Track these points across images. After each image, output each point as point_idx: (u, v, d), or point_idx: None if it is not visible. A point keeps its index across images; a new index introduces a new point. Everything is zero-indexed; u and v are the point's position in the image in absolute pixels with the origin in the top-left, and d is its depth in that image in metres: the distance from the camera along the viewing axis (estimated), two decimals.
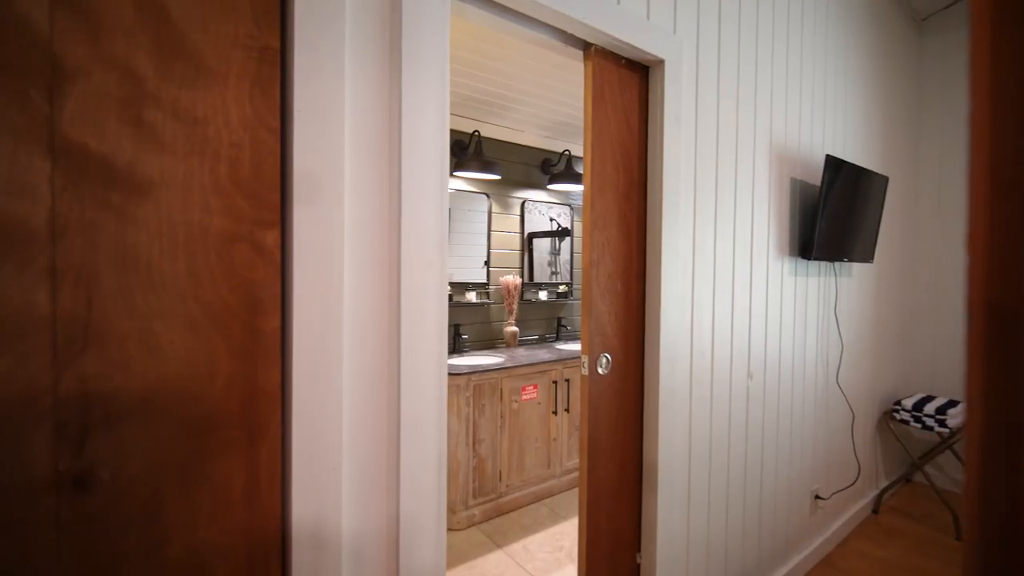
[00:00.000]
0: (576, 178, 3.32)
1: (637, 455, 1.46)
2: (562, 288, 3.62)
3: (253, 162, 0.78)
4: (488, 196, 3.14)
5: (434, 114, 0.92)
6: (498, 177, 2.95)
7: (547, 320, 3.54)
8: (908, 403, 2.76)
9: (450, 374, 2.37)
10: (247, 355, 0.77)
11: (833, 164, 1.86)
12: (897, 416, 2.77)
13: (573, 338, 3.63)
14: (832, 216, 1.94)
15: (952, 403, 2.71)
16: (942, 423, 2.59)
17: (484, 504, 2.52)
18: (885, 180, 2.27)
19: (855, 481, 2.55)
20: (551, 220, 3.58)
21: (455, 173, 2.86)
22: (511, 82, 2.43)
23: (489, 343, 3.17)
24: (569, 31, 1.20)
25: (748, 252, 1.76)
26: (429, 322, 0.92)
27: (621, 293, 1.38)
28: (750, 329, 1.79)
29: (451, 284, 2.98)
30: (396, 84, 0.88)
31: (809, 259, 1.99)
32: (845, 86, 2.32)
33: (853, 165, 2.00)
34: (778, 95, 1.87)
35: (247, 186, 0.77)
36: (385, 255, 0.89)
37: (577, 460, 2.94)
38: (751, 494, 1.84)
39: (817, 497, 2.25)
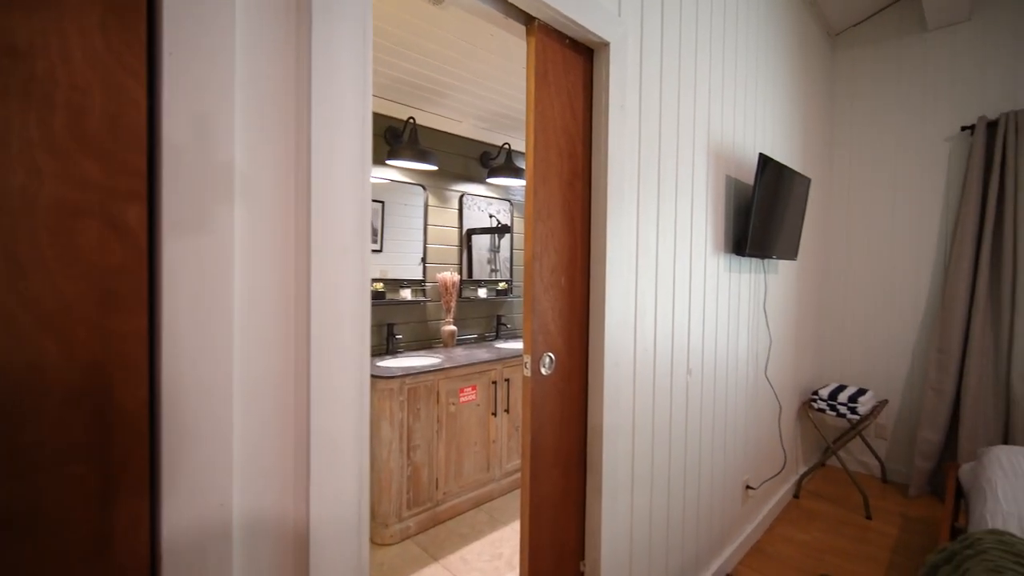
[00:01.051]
0: (516, 172, 3.24)
1: (581, 458, 1.39)
2: (502, 285, 3.52)
3: (106, 114, 0.60)
4: (424, 188, 2.98)
5: (353, 68, 0.77)
6: (434, 168, 2.80)
7: (486, 318, 3.44)
8: (824, 393, 2.94)
9: (382, 377, 2.19)
10: (96, 366, 0.59)
11: (765, 162, 1.91)
12: (815, 405, 2.94)
13: (513, 336, 3.55)
14: (763, 214, 2.00)
15: (861, 391, 2.92)
16: (853, 410, 2.78)
17: (420, 514, 2.36)
18: (808, 181, 2.38)
19: (782, 469, 2.67)
20: (491, 216, 3.48)
21: (388, 161, 2.68)
22: (447, 66, 2.29)
23: (426, 343, 3.01)
24: (511, 0, 1.09)
25: (688, 248, 1.75)
26: (347, 319, 0.78)
27: (565, 288, 1.30)
28: (689, 325, 1.78)
29: (385, 281, 2.79)
30: (305, 25, 0.72)
31: (743, 256, 2.03)
32: (773, 91, 2.41)
33: (782, 165, 2.06)
34: (715, 94, 1.88)
35: (97, 144, 0.59)
36: (290, 238, 0.73)
37: (517, 461, 2.86)
38: (690, 490, 1.84)
39: (748, 487, 2.32)
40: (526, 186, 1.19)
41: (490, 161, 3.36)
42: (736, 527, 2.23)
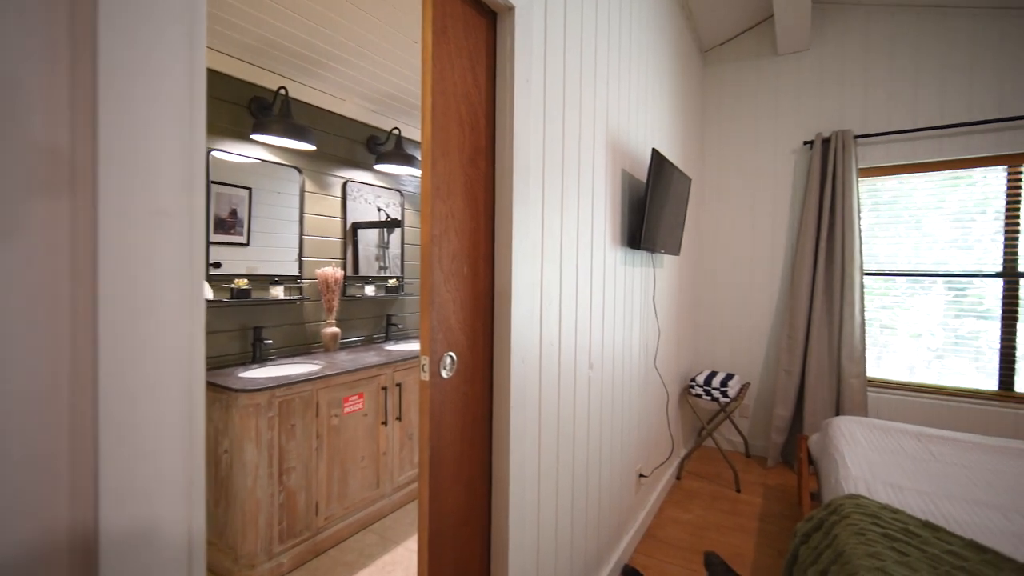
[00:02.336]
0: (407, 160, 3.01)
1: (486, 469, 1.25)
2: (392, 282, 3.26)
3: None
4: (300, 171, 2.61)
5: None
6: (312, 148, 2.46)
7: (375, 319, 3.15)
8: (700, 379, 3.18)
9: (245, 391, 1.83)
10: None
11: (658, 158, 1.95)
12: (693, 391, 3.17)
13: (405, 337, 3.31)
14: (655, 208, 2.05)
15: (730, 376, 3.21)
16: (724, 394, 3.04)
17: (296, 547, 2.03)
18: (689, 181, 2.53)
19: (670, 455, 2.82)
20: (379, 210, 3.19)
21: (255, 136, 2.28)
22: (328, 30, 2.00)
23: (303, 348, 2.65)
24: None
25: (590, 238, 1.71)
26: (167, 310, 0.54)
27: (468, 277, 1.15)
28: (591, 318, 1.75)
29: (252, 277, 2.38)
30: None
31: (637, 249, 2.07)
32: (660, 94, 2.52)
33: (671, 162, 2.14)
34: (612, 86, 1.88)
35: None
36: (63, 187, 0.48)
37: (411, 473, 2.64)
38: (592, 488, 1.80)
39: (641, 476, 2.39)
40: (422, 157, 1.02)
41: (378, 147, 3.08)
42: (631, 516, 2.27)
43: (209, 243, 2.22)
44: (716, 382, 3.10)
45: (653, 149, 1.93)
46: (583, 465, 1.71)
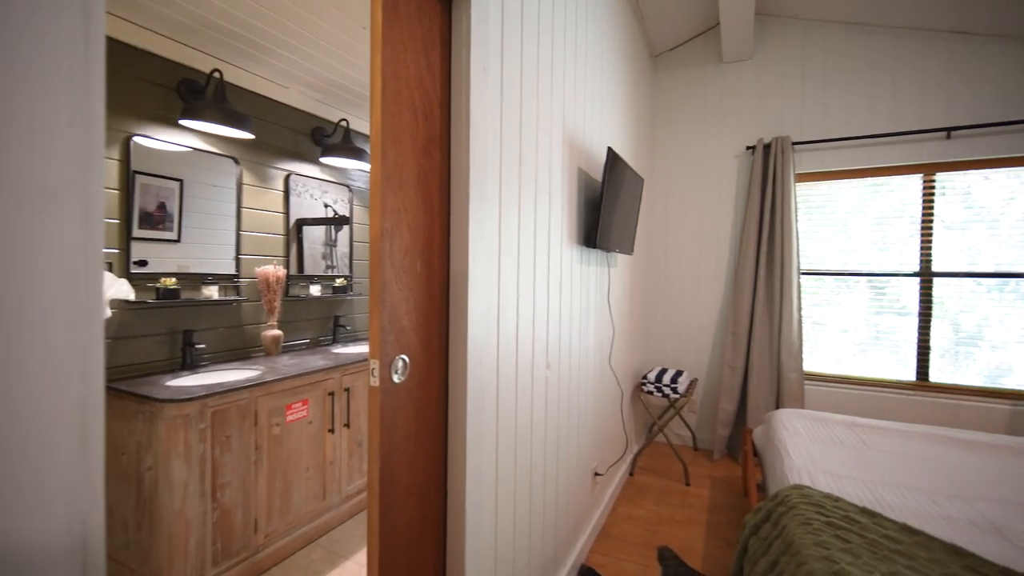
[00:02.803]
0: (356, 154, 2.87)
1: (441, 480, 1.18)
2: (340, 282, 3.10)
3: None
4: (237, 161, 2.42)
5: None
6: (251, 137, 2.28)
7: (321, 320, 2.98)
8: (652, 376, 3.24)
9: (172, 401, 1.66)
10: None
11: (614, 157, 1.96)
12: (644, 388, 3.23)
13: (354, 340, 3.16)
14: (610, 207, 2.05)
15: (679, 372, 3.30)
16: (674, 390, 3.12)
17: (232, 568, 1.87)
18: (642, 181, 2.57)
19: (624, 452, 2.85)
20: (326, 206, 3.03)
21: (184, 122, 2.09)
22: (270, 11, 1.86)
23: (241, 352, 2.46)
24: None
25: (547, 235, 1.68)
26: (51, 320, 0.45)
27: (421, 275, 1.08)
28: (548, 317, 1.72)
29: (183, 276, 2.18)
30: None
31: (592, 248, 2.06)
32: (614, 94, 2.54)
33: (625, 162, 2.16)
34: (569, 83, 1.86)
35: None
36: None
37: (361, 482, 2.51)
38: (550, 490, 1.78)
39: (596, 474, 2.39)
40: (371, 144, 0.94)
41: (324, 138, 2.92)
42: (587, 516, 2.27)
43: (132, 239, 2.01)
44: (667, 379, 3.18)
45: (609, 147, 1.93)
46: (541, 467, 1.68)
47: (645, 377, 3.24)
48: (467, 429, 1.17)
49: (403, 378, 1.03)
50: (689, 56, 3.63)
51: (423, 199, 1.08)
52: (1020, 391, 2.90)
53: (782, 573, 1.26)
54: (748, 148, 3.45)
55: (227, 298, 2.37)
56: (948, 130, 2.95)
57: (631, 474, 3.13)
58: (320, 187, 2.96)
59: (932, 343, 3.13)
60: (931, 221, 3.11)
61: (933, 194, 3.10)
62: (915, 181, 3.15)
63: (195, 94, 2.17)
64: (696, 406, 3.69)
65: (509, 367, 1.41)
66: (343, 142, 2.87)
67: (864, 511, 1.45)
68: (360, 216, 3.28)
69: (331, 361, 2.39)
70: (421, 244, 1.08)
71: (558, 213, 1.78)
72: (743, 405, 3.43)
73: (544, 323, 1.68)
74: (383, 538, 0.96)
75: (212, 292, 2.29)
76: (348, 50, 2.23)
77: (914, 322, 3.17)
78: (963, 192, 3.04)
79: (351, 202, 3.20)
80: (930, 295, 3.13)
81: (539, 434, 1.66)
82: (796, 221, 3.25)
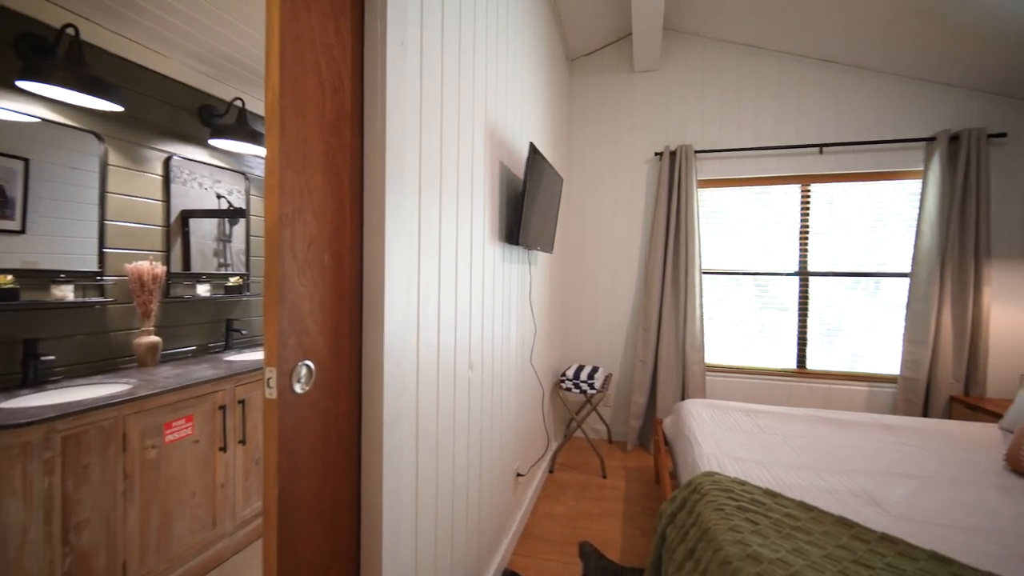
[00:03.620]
0: (254, 138, 2.57)
1: (354, 499, 1.06)
2: (234, 281, 2.77)
3: None
4: (100, 138, 2.04)
5: None
6: (118, 108, 1.94)
7: (211, 324, 2.64)
8: (570, 373, 3.30)
9: (3, 427, 1.33)
10: None
11: (535, 153, 1.93)
12: (563, 385, 3.27)
13: (251, 345, 2.84)
14: (532, 204, 2.03)
15: (595, 368, 3.40)
16: (592, 386, 3.20)
17: None
18: (561, 180, 2.59)
19: (546, 451, 2.85)
20: (219, 197, 2.69)
21: (24, 84, 1.71)
22: None
23: (106, 364, 2.08)
24: None
25: (469, 230, 1.60)
26: None
27: (330, 269, 0.95)
28: (471, 316, 1.64)
29: (24, 274, 1.78)
30: None
31: (515, 245, 2.02)
32: (533, 92, 2.52)
33: (546, 159, 2.15)
34: (491, 73, 1.80)
35: None
36: None
37: (259, 504, 2.24)
38: (472, 496, 1.70)
39: (518, 475, 2.36)
40: (267, 113, 0.80)
41: (215, 118, 2.58)
42: (509, 518, 2.23)
43: None
44: (584, 375, 3.25)
45: (531, 143, 1.90)
46: (464, 474, 1.60)
47: (564, 374, 3.29)
48: (383, 440, 1.05)
49: (307, 387, 0.89)
50: (603, 62, 3.76)
51: (331, 183, 0.95)
52: (873, 374, 3.36)
53: (700, 560, 1.30)
54: (656, 154, 3.64)
55: (86, 299, 1.99)
56: (820, 146, 3.33)
57: (551, 471, 3.15)
58: (211, 175, 2.62)
59: (808, 335, 3.52)
60: (807, 227, 3.51)
61: (809, 202, 3.50)
62: (794, 190, 3.52)
63: (41, 52, 1.79)
64: (611, 400, 3.83)
65: (430, 370, 1.32)
66: (238, 124, 2.56)
67: (767, 492, 1.56)
68: (259, 208, 2.96)
69: (222, 370, 2.11)
70: (329, 234, 0.95)
71: (481, 208, 1.71)
72: (653, 397, 3.62)
73: (467, 322, 1.60)
74: (284, 565, 0.82)
75: (66, 292, 1.91)
76: (242, 17, 1.98)
77: (793, 316, 3.55)
78: (827, 202, 3.47)
79: (248, 192, 2.87)
80: (807, 292, 3.52)
81: (461, 439, 1.58)
82: (698, 224, 3.50)
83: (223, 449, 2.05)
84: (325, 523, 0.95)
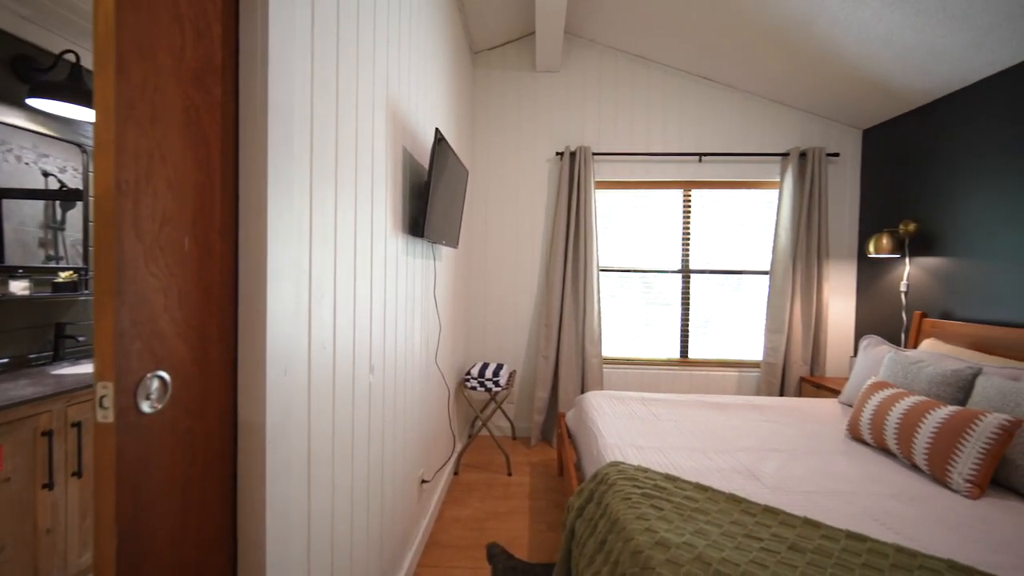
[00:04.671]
0: (91, 100, 2.10)
1: (228, 536, 0.87)
2: (66, 276, 2.25)
3: None
4: None
5: None
6: None
7: (33, 330, 2.11)
8: (475, 371, 3.24)
9: None
10: None
11: (441, 140, 1.83)
12: (468, 384, 3.20)
13: (90, 355, 2.33)
14: (438, 194, 1.92)
15: (500, 366, 3.37)
16: (496, 383, 3.17)
17: None
18: (467, 172, 2.50)
19: (452, 454, 2.74)
20: (46, 175, 2.16)
21: None
22: None
23: None
24: None
25: (369, 220, 1.45)
26: None
27: (193, 255, 0.76)
28: (371, 314, 1.49)
29: None
30: None
31: (419, 238, 1.90)
32: (438, 78, 2.41)
33: (452, 148, 2.05)
34: (393, 48, 1.66)
35: None
36: None
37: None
38: (374, 510, 1.55)
39: (423, 481, 2.24)
40: (95, 43, 0.60)
41: (36, 73, 2.07)
42: (413, 528, 2.10)
43: None
44: (489, 372, 3.21)
45: (437, 128, 1.79)
46: (364, 488, 1.45)
47: (469, 373, 3.21)
48: (267, 462, 0.88)
49: (161, 405, 0.70)
50: (506, 59, 3.75)
51: (195, 149, 0.77)
52: (741, 360, 3.79)
53: (611, 551, 1.31)
54: (558, 154, 3.73)
55: None
56: (700, 155, 3.66)
57: (456, 473, 3.06)
58: (34, 146, 2.09)
59: (690, 327, 3.86)
60: (689, 228, 3.84)
61: (691, 206, 3.83)
62: (678, 195, 3.84)
63: None
64: (515, 397, 3.84)
65: (324, 375, 1.15)
66: (70, 81, 2.07)
67: (667, 477, 1.63)
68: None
69: (48, 387, 1.69)
70: (192, 212, 0.76)
71: (383, 195, 1.56)
72: (555, 391, 3.70)
73: (367, 321, 1.45)
74: None
75: None
76: None
77: (676, 311, 3.87)
78: (704, 206, 3.83)
79: (87, 169, 2.35)
80: (688, 288, 3.86)
81: (361, 451, 1.42)
82: (596, 224, 3.64)
83: (48, 486, 1.63)
84: (190, 570, 0.76)
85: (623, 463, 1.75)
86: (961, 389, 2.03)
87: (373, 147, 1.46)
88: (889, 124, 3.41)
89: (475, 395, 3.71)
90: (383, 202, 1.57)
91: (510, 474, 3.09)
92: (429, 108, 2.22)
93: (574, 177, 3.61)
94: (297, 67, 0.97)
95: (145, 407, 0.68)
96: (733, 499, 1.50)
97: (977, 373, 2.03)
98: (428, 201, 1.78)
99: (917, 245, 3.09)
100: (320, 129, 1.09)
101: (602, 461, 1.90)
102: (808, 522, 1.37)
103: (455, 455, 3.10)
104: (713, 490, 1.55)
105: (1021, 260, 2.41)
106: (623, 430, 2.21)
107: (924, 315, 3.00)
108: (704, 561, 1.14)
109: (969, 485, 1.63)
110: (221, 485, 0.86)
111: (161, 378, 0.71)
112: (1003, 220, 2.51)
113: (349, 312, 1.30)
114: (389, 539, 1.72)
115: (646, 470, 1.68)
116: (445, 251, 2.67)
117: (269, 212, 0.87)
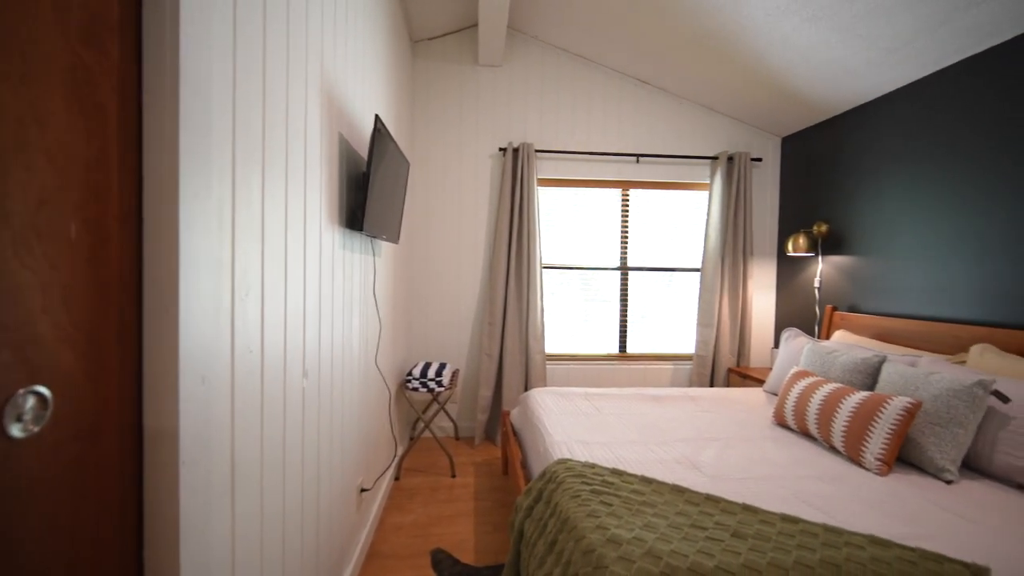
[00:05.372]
0: None
1: (131, 573, 0.74)
2: None
3: None
4: None
5: None
6: None
7: None
8: (416, 371, 3.12)
9: None
10: None
11: (382, 127, 1.72)
12: (410, 385, 3.08)
13: None
14: (377, 186, 1.81)
15: (443, 365, 3.28)
16: (439, 383, 3.08)
17: None
18: (408, 164, 2.39)
19: (393, 459, 2.62)
20: None
21: None
22: None
23: None
24: None
25: (302, 210, 1.32)
26: None
27: (83, 244, 0.63)
28: (305, 313, 1.36)
29: None
30: None
31: (358, 231, 1.78)
32: (377, 62, 2.27)
33: (392, 138, 1.94)
34: (328, 30, 1.53)
35: None
36: None
37: None
38: (308, 526, 1.43)
39: (363, 490, 2.11)
40: None
41: None
42: (352, 540, 1.97)
43: None
44: (431, 372, 3.11)
45: (376, 115, 1.68)
46: (297, 503, 1.32)
47: (410, 373, 3.10)
48: (180, 487, 0.76)
49: (38, 427, 0.57)
50: (447, 51, 3.64)
51: (85, 118, 0.63)
52: (674, 354, 3.96)
53: (563, 551, 1.29)
54: (501, 150, 3.68)
55: None
56: (637, 156, 3.77)
57: (397, 478, 2.94)
58: None
59: (628, 323, 3.98)
60: (627, 227, 3.95)
61: (629, 205, 3.94)
62: (616, 194, 3.93)
63: None
64: (457, 396, 3.76)
65: (251, 383, 1.03)
66: None
67: (614, 471, 1.65)
68: None
69: None
70: (80, 193, 0.63)
71: (317, 183, 1.44)
72: (499, 389, 3.66)
73: (300, 321, 1.32)
74: None
75: None
76: None
77: (615, 307, 3.97)
78: (641, 206, 3.96)
79: None
80: (626, 285, 3.97)
81: (294, 462, 1.30)
82: (539, 221, 3.65)
83: None
84: None
85: (570, 460, 1.74)
86: (870, 375, 2.23)
87: (306, 128, 1.34)
88: (804, 132, 3.69)
89: (416, 396, 3.59)
90: (317, 190, 1.45)
91: (454, 476, 3.01)
92: (367, 95, 2.09)
93: (517, 173, 3.58)
94: (216, 29, 0.84)
95: (16, 431, 0.55)
96: (677, 490, 1.53)
97: (883, 361, 2.24)
98: (367, 192, 1.67)
99: (828, 244, 3.37)
100: (244, 101, 0.97)
101: (550, 458, 1.89)
102: (747, 508, 1.43)
103: (396, 460, 2.98)
104: (658, 482, 1.58)
105: (917, 259, 2.70)
106: (569, 426, 2.22)
107: (835, 308, 3.28)
108: (655, 555, 1.15)
109: (879, 463, 1.79)
110: (123, 518, 0.73)
111: (38, 394, 0.58)
112: (901, 223, 2.80)
113: (279, 311, 1.18)
114: (326, 555, 1.59)
115: (593, 466, 1.68)
116: (385, 246, 2.54)
117: (181, 194, 0.75)
